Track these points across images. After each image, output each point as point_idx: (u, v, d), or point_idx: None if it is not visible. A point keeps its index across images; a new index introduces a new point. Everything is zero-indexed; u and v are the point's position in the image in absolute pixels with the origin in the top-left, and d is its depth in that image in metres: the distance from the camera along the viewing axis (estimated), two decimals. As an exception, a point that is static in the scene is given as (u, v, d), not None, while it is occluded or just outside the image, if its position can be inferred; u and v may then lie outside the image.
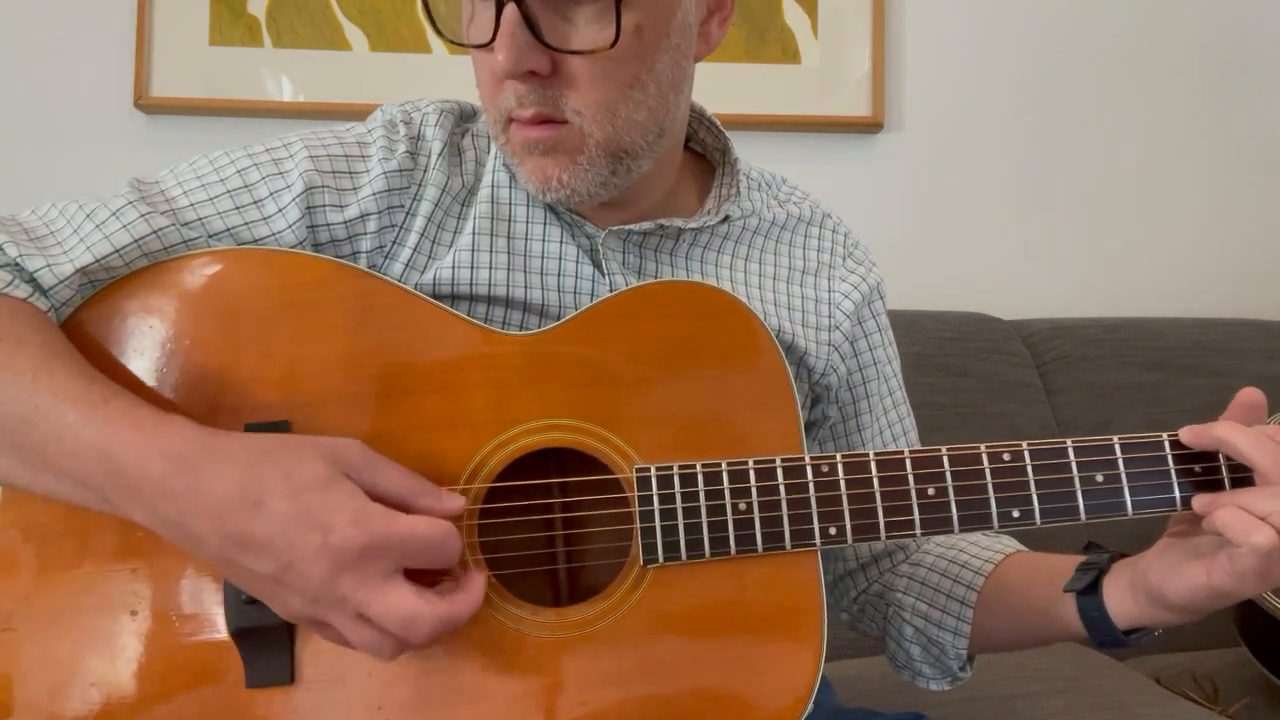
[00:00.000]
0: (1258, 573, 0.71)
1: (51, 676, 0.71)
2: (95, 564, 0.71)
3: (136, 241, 0.75)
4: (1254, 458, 0.73)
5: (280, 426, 0.73)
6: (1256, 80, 2.00)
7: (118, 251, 0.74)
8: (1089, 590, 0.81)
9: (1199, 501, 0.75)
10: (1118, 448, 0.77)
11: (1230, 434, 0.74)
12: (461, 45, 0.79)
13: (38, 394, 0.67)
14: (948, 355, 1.68)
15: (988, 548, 0.93)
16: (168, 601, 0.71)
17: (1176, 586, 0.75)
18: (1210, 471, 0.76)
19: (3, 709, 0.70)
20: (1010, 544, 0.94)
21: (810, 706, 0.74)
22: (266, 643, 0.71)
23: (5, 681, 0.70)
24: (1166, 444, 0.77)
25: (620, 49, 0.74)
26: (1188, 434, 0.77)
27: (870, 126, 1.87)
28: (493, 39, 0.73)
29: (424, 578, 0.67)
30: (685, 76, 0.82)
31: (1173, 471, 0.77)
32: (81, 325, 0.74)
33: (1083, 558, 0.84)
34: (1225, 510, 0.72)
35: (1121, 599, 0.80)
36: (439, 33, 0.79)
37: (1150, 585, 0.77)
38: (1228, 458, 0.76)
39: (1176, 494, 0.77)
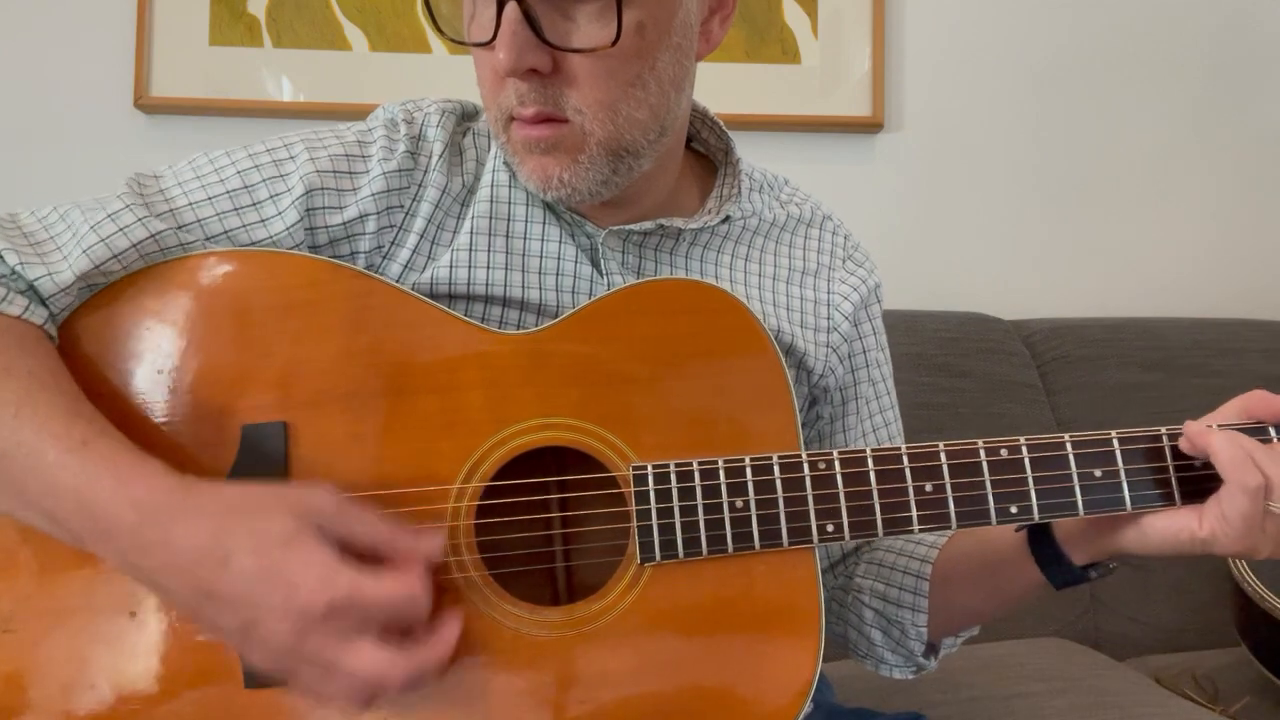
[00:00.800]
0: (1243, 516, 0.72)
1: (51, 677, 0.71)
2: (95, 565, 0.71)
3: (134, 246, 0.75)
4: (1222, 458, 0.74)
5: (277, 427, 0.73)
6: (1257, 80, 2.00)
7: (115, 256, 0.74)
8: (1041, 531, 0.81)
9: (1192, 427, 0.76)
10: (1116, 443, 0.77)
11: (1212, 442, 0.75)
12: (463, 44, 0.78)
13: (20, 430, 0.67)
14: (948, 355, 1.68)
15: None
16: (166, 602, 0.71)
17: (1159, 525, 0.76)
18: (1209, 466, 0.76)
19: (3, 709, 0.70)
20: None
21: (809, 704, 0.74)
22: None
23: (5, 682, 0.70)
24: (1165, 439, 0.77)
25: (621, 47, 0.74)
26: (1185, 442, 0.77)
27: (870, 126, 1.87)
28: (494, 37, 0.73)
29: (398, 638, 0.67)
30: (686, 75, 0.82)
31: (1171, 467, 0.77)
32: (79, 329, 0.74)
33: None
34: (1220, 436, 0.73)
35: (1075, 536, 0.80)
36: (440, 32, 0.79)
37: (1118, 518, 0.77)
38: None
39: (1175, 489, 0.77)
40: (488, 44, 0.74)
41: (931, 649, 0.93)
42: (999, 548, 0.85)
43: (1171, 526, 0.76)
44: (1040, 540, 0.82)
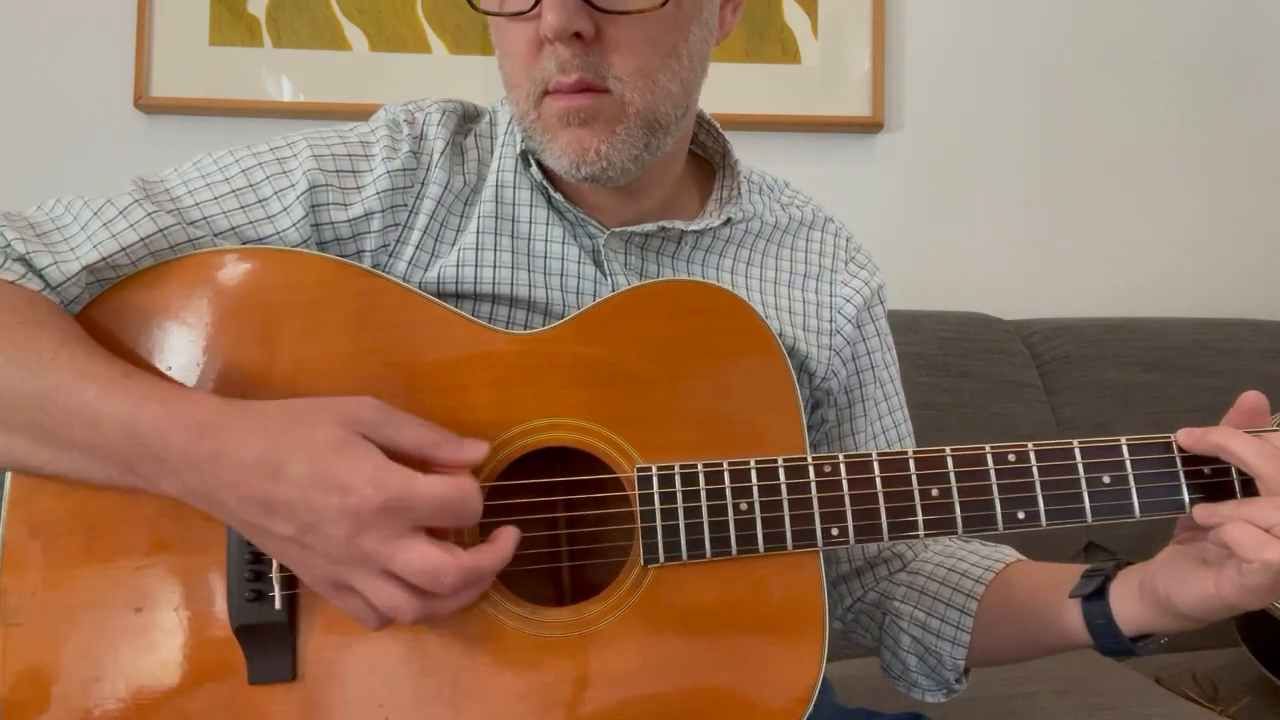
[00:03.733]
0: (1268, 587, 0.70)
1: (57, 672, 0.71)
2: (101, 561, 0.72)
3: (143, 240, 0.75)
4: (1257, 465, 0.72)
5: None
6: (1257, 81, 2.00)
7: (124, 250, 0.74)
8: (1095, 597, 0.80)
9: (1200, 512, 0.74)
10: (1125, 449, 0.76)
11: (1230, 440, 0.73)
12: (498, 15, 0.78)
13: (60, 371, 0.67)
14: (948, 355, 1.68)
15: (987, 556, 0.92)
16: (172, 598, 0.72)
17: (1184, 596, 0.75)
18: (1220, 473, 0.75)
19: (9, 703, 0.70)
20: (1010, 553, 0.93)
21: (811, 708, 0.74)
22: (269, 640, 0.71)
23: (13, 676, 0.71)
24: (1175, 445, 0.76)
25: (664, 13, 0.76)
26: (1185, 436, 0.76)
27: (870, 126, 1.87)
28: (535, 4, 0.74)
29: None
30: (708, 55, 0.84)
31: (1181, 473, 0.76)
32: (87, 323, 0.74)
33: (1085, 566, 0.83)
34: (1233, 525, 0.71)
35: (1128, 605, 0.79)
36: (473, 6, 0.79)
37: (1158, 592, 0.76)
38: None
39: (1185, 496, 0.76)
40: (528, 12, 0.75)
41: (966, 670, 0.92)
42: (1049, 602, 0.84)
43: (1196, 593, 0.74)
44: (1094, 609, 0.80)
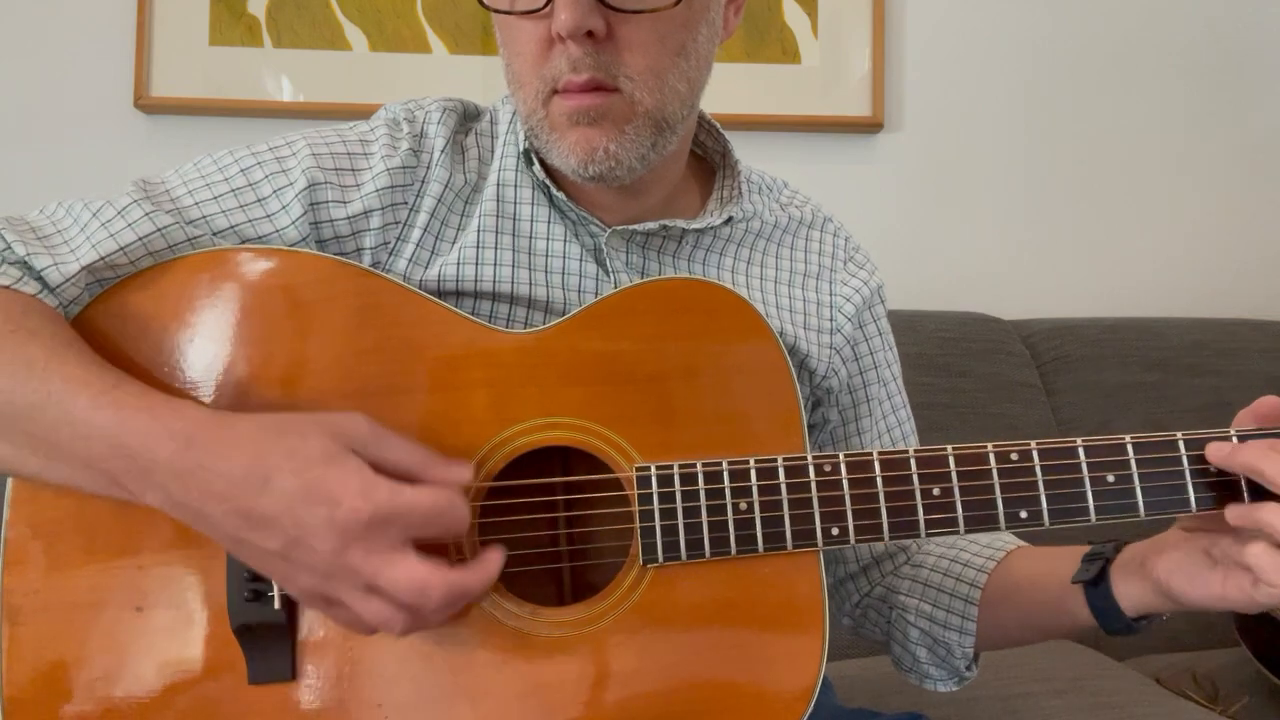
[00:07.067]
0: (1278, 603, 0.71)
1: (60, 671, 0.71)
2: (102, 560, 0.72)
3: (141, 240, 0.75)
4: None
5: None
6: (1257, 80, 2.00)
7: (123, 250, 0.75)
8: (1096, 581, 0.80)
9: (1234, 514, 0.73)
10: (1130, 448, 0.76)
11: (1262, 462, 0.72)
12: (509, 14, 0.78)
13: (50, 380, 0.67)
14: (948, 355, 1.68)
15: (988, 545, 0.93)
16: (172, 598, 0.72)
17: (1186, 590, 0.75)
18: (1225, 473, 0.75)
19: (13, 702, 0.71)
20: (1011, 540, 0.94)
21: (812, 708, 0.74)
22: (269, 640, 0.71)
23: (16, 675, 0.71)
24: (1181, 444, 0.75)
25: (676, 12, 0.76)
26: (1214, 453, 0.74)
27: (870, 126, 1.87)
28: (547, 3, 0.74)
29: (441, 557, 0.68)
30: (713, 56, 0.84)
31: (1187, 473, 0.75)
32: (87, 324, 0.75)
33: (1085, 549, 0.83)
34: (1258, 548, 0.71)
35: (1131, 588, 0.79)
36: (482, 4, 0.79)
37: (1160, 580, 0.76)
38: None
39: (1191, 495, 0.75)
40: (540, 10, 0.75)
41: (975, 656, 0.93)
42: (1050, 587, 0.84)
43: (1202, 593, 0.75)
44: (1096, 593, 0.81)
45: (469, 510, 0.68)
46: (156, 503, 0.67)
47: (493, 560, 0.69)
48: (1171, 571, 0.76)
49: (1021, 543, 0.94)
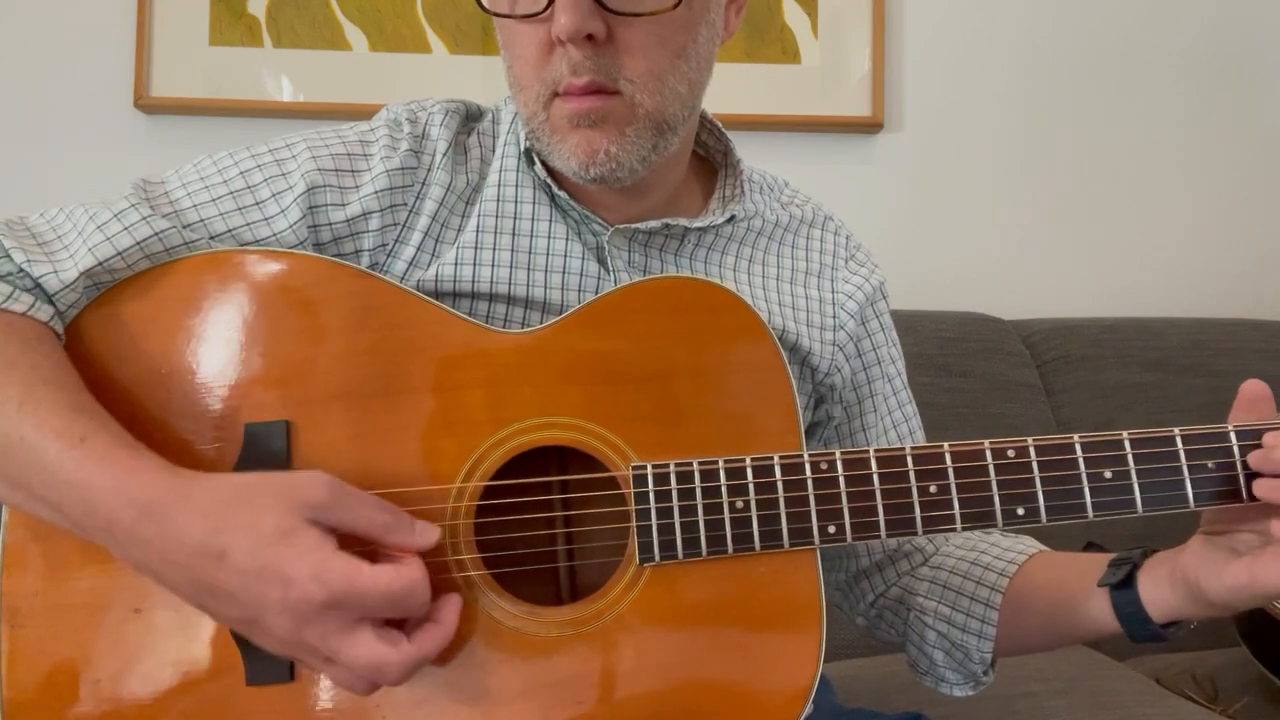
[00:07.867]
0: None
1: (59, 673, 0.71)
2: (101, 562, 0.72)
3: (138, 244, 0.75)
4: None
5: (280, 425, 0.73)
6: (1257, 80, 2.00)
7: (120, 254, 0.75)
8: (1123, 585, 0.80)
9: (1263, 489, 0.73)
10: (1127, 443, 0.75)
11: None
12: (508, 17, 0.78)
13: (22, 425, 0.67)
14: (948, 355, 1.68)
15: (1010, 548, 0.92)
16: (171, 599, 0.71)
17: (1217, 586, 0.74)
18: (1224, 468, 0.74)
19: (12, 704, 0.71)
20: (1032, 544, 0.93)
21: (810, 706, 0.74)
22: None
23: (16, 678, 0.71)
24: (1179, 440, 0.75)
25: (676, 14, 0.76)
26: (1259, 460, 0.73)
27: (870, 126, 1.87)
28: (547, 6, 0.74)
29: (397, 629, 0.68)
30: (714, 57, 0.84)
31: (1185, 468, 0.75)
32: (84, 327, 0.75)
33: (1112, 555, 0.83)
34: None
35: (1158, 593, 0.79)
36: (482, 7, 0.79)
37: (1189, 580, 0.76)
38: (1242, 454, 0.74)
39: (1189, 491, 0.75)
40: (540, 14, 0.75)
41: (993, 661, 0.92)
42: (1074, 592, 0.84)
43: (1229, 582, 0.74)
44: (1123, 597, 0.80)
45: (428, 590, 0.68)
46: (118, 557, 0.68)
47: (449, 615, 0.69)
48: (1198, 566, 0.76)
49: (1043, 547, 0.93)
